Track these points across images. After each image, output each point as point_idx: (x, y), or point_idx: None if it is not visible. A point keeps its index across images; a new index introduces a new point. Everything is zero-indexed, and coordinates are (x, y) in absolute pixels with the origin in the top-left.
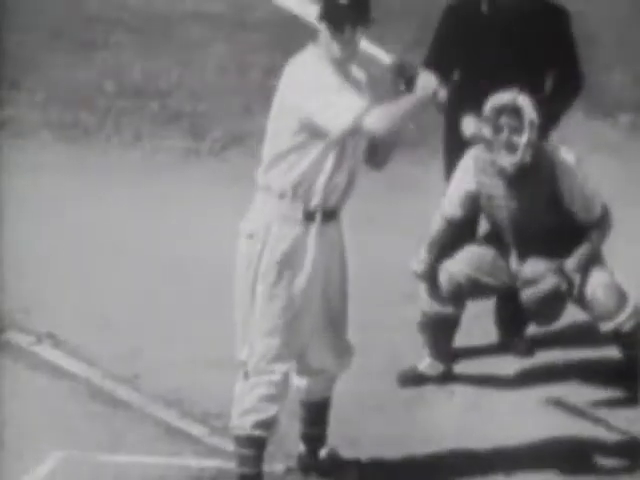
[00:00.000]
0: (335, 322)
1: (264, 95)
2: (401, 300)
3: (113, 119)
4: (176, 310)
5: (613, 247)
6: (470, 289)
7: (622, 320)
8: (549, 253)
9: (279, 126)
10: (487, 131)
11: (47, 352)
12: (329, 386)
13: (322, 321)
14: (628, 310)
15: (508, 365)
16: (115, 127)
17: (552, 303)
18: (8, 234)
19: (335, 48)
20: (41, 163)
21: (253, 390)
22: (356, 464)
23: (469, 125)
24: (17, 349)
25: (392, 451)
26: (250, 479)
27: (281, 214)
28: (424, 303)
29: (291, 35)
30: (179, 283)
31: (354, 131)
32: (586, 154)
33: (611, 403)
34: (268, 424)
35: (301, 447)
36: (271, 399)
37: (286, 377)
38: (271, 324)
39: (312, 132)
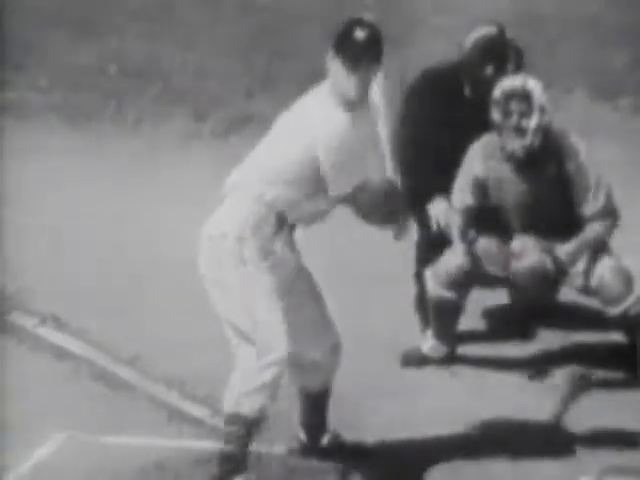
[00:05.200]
0: (317, 321)
1: (267, 78)
2: (403, 281)
3: (116, 101)
4: (178, 292)
5: (615, 230)
6: (473, 278)
7: (630, 304)
8: (554, 241)
9: (283, 147)
10: (497, 116)
11: (50, 334)
12: (326, 379)
13: (303, 321)
14: (635, 294)
15: (510, 347)
16: (118, 109)
17: (536, 280)
18: (11, 217)
19: (350, 87)
20: (44, 145)
21: (262, 372)
22: (359, 447)
23: (439, 208)
24: (20, 331)
25: (394, 433)
26: (237, 458)
27: (256, 213)
28: (428, 287)
29: (294, 19)
30: (181, 265)
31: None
32: (587, 137)
33: (612, 386)
34: (267, 409)
35: (301, 434)
36: (274, 385)
37: (288, 359)
38: (268, 301)
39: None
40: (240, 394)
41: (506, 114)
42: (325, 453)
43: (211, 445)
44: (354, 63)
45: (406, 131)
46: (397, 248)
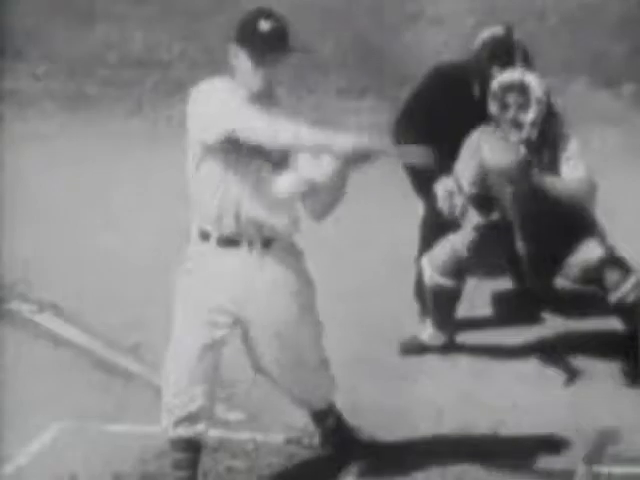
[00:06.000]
0: (296, 358)
1: None
2: (402, 268)
3: (115, 89)
4: None
5: (614, 218)
6: (471, 264)
7: (626, 291)
8: (552, 232)
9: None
10: (494, 108)
11: (49, 321)
12: (324, 401)
13: (275, 358)
14: (632, 281)
15: (510, 335)
16: (117, 97)
17: (509, 162)
18: (9, 204)
19: (256, 80)
20: (43, 133)
21: (171, 375)
22: (358, 437)
23: (445, 187)
24: (19, 318)
25: (393, 421)
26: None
27: (192, 229)
28: (425, 275)
29: (293, 6)
30: (182, 252)
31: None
32: (589, 124)
33: (612, 375)
34: (192, 419)
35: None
36: (192, 391)
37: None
38: (181, 315)
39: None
40: (166, 411)
41: (503, 107)
42: (330, 443)
43: (210, 433)
44: (260, 56)
45: (413, 119)
46: (397, 235)
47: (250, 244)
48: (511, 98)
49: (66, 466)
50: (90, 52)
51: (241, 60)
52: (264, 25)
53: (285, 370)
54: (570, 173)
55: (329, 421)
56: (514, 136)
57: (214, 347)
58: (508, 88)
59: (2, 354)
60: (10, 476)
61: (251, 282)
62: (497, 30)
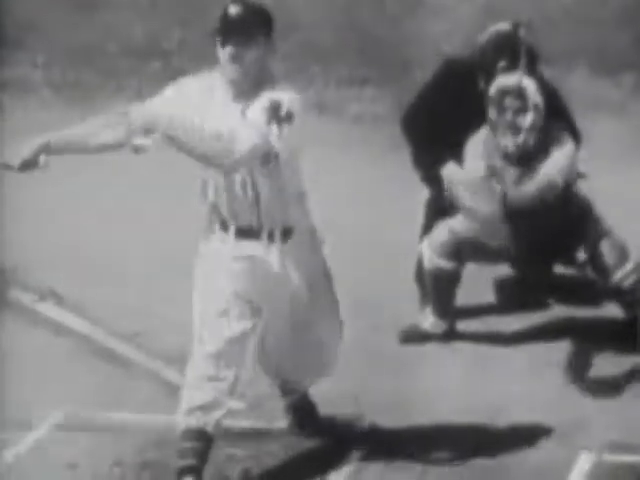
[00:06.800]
0: (302, 342)
1: None
2: (403, 257)
3: (115, 79)
4: (179, 269)
5: (615, 208)
6: (470, 248)
7: (623, 275)
8: (548, 220)
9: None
10: (492, 112)
11: (49, 309)
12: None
13: (284, 341)
14: (629, 265)
15: (511, 323)
16: (117, 87)
17: None
18: (9, 193)
19: (225, 64)
20: (43, 123)
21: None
22: (352, 425)
23: (451, 173)
24: (19, 306)
25: (394, 409)
26: (193, 471)
27: (208, 218)
28: (425, 258)
29: None
30: (182, 241)
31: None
32: (589, 113)
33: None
34: (206, 408)
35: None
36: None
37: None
38: (197, 322)
39: None
40: (185, 409)
41: (501, 111)
42: (318, 430)
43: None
44: (224, 36)
45: (420, 114)
46: (398, 224)
47: (270, 235)
48: (508, 102)
49: (66, 454)
50: (90, 41)
51: (217, 46)
52: (232, 9)
53: (286, 354)
54: (543, 170)
55: (302, 403)
56: (511, 140)
57: (240, 339)
58: (505, 92)
59: (3, 342)
60: (10, 464)
61: (265, 271)
62: (503, 25)
